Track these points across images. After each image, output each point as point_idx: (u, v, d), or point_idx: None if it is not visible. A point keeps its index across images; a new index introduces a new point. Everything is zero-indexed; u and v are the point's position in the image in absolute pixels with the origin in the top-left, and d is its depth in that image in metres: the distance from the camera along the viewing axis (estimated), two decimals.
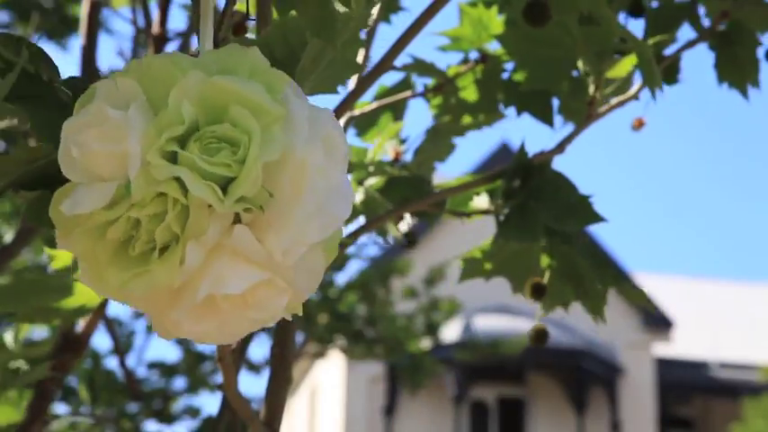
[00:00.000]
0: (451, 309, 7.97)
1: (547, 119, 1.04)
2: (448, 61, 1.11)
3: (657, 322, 15.60)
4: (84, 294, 0.96)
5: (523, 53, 0.99)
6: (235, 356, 0.90)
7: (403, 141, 1.14)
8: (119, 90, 0.56)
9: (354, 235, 1.06)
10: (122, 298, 0.57)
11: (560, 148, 1.03)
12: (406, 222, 1.08)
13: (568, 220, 0.97)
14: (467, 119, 1.11)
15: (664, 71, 0.93)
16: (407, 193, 1.04)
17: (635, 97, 0.95)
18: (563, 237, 0.97)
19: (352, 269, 7.06)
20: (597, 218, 1.00)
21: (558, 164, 1.04)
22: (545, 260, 1.02)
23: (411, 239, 1.10)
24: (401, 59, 1.01)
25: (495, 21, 1.05)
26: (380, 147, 1.12)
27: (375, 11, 1.06)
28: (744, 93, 0.93)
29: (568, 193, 1.00)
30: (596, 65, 0.94)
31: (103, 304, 1.55)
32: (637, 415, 15.57)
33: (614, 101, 0.98)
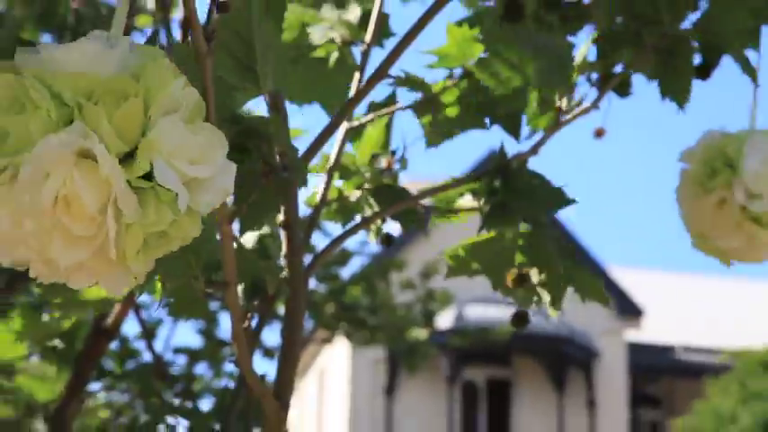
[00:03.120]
0: (445, 299, 7.93)
1: (515, 131, 1.05)
2: (435, 77, 1.12)
3: (629, 311, 15.61)
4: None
5: (498, 82, 0.99)
6: (248, 337, 0.91)
7: (393, 153, 1.14)
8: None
9: (351, 231, 1.07)
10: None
11: (534, 150, 1.04)
12: (387, 225, 1.08)
13: (541, 208, 0.97)
14: (454, 132, 1.12)
15: (617, 86, 0.95)
16: (395, 198, 1.04)
17: (595, 107, 0.97)
18: (536, 226, 0.98)
19: (356, 265, 7.05)
20: (568, 201, 0.99)
21: (537, 163, 1.04)
22: (519, 257, 1.02)
23: (388, 240, 1.11)
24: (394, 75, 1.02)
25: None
26: (366, 155, 1.13)
27: (369, 36, 1.07)
28: (681, 105, 0.94)
29: (542, 186, 1.00)
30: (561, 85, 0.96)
31: (131, 295, 1.55)
32: (610, 394, 15.57)
33: (577, 110, 0.99)
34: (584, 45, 0.94)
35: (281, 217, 0.98)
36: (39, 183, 0.51)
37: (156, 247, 0.55)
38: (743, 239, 0.82)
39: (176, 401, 3.67)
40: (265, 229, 1.06)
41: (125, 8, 0.58)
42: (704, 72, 0.90)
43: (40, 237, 0.53)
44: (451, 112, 1.09)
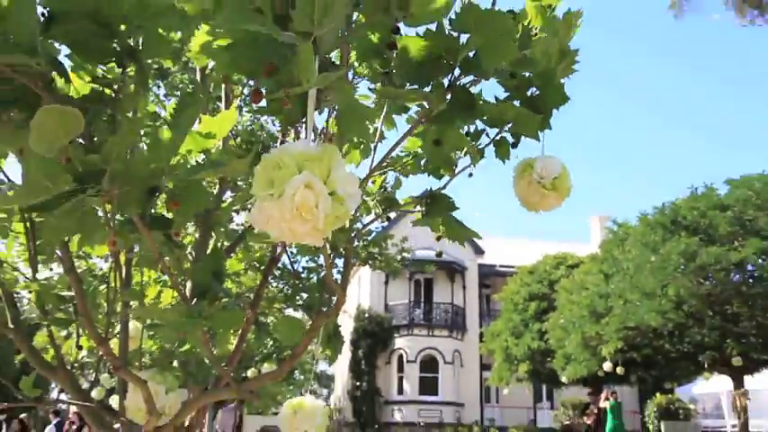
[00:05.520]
0: (408, 250, 7.93)
1: (438, 176, 1.00)
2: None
3: (478, 251, 15.80)
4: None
5: (430, 157, 0.96)
6: (331, 263, 0.88)
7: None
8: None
9: (371, 221, 1.03)
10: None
11: (444, 187, 0.99)
12: (388, 216, 1.05)
13: (446, 211, 0.94)
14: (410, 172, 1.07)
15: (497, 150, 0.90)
16: (389, 205, 1.01)
17: (474, 165, 0.92)
18: (446, 217, 0.94)
19: (372, 234, 7.03)
20: (455, 208, 0.95)
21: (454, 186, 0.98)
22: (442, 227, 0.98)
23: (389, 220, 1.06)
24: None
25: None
26: (376, 187, 1.09)
27: (377, 135, 1.03)
28: (506, 158, 0.88)
29: (447, 202, 0.96)
30: (453, 156, 0.92)
31: (284, 248, 1.50)
32: (471, 283, 15.70)
33: (462, 167, 0.94)
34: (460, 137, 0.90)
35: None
36: (291, 196, 0.51)
37: (332, 225, 0.54)
38: (541, 197, 0.80)
39: (301, 287, 3.62)
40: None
41: (311, 132, 0.56)
42: (514, 145, 0.86)
43: (285, 220, 0.52)
44: (411, 165, 1.04)
